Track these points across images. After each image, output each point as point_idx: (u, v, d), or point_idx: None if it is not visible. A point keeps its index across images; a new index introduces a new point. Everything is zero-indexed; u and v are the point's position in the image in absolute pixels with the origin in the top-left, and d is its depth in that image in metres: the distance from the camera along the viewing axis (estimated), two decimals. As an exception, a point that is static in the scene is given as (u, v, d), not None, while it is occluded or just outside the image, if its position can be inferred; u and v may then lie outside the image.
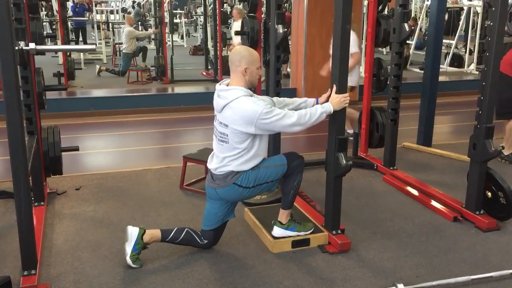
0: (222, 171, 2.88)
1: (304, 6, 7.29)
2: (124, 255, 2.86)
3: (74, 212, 3.64)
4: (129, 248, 2.83)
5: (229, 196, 2.93)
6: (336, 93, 2.96)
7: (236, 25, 8.26)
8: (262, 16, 4.47)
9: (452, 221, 3.50)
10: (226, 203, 2.98)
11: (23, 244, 2.61)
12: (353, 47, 4.60)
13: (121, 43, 12.75)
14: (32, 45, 2.81)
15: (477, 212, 3.47)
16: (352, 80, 4.91)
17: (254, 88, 3.04)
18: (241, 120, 2.73)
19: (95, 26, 15.12)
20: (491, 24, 3.21)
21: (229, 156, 2.84)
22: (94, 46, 3.22)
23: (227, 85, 2.86)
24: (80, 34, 13.54)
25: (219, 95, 2.84)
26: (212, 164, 2.96)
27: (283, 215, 3.07)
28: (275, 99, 3.08)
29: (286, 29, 3.74)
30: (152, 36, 10.85)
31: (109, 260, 2.94)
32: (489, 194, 3.47)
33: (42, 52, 3.22)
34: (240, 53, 2.85)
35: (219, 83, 2.92)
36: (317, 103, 3.06)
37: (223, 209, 2.99)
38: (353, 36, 4.39)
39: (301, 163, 2.98)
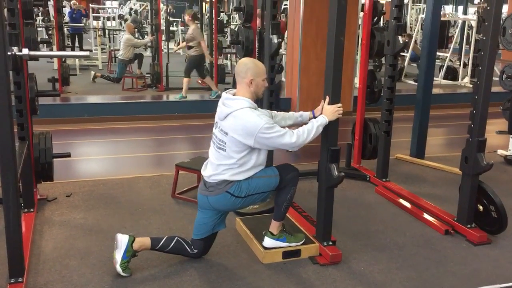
0: (215, 179, 2.87)
1: (300, 17, 7.32)
2: (113, 264, 2.83)
3: (64, 219, 3.61)
4: (119, 256, 2.81)
5: (220, 205, 2.91)
6: (329, 103, 2.97)
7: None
8: (258, 26, 4.48)
9: (444, 234, 3.50)
10: (217, 213, 2.96)
11: (10, 251, 2.57)
12: None
13: (117, 50, 12.78)
14: (25, 51, 2.80)
15: (469, 226, 3.47)
16: None
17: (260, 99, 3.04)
18: (242, 130, 2.74)
19: (92, 32, 15.12)
20: (484, 38, 3.24)
21: (224, 164, 2.83)
22: (88, 53, 3.21)
23: (234, 95, 2.88)
24: (77, 40, 13.53)
25: (224, 103, 2.85)
26: (206, 171, 2.94)
27: (275, 226, 3.06)
28: (273, 113, 3.09)
29: (280, 39, 3.75)
30: (149, 44, 10.88)
31: (97, 268, 2.91)
32: (481, 207, 3.47)
33: (35, 58, 3.20)
34: (246, 64, 2.87)
35: (226, 91, 2.93)
36: (313, 115, 3.07)
37: (214, 219, 2.97)
38: None
39: (296, 175, 2.96)
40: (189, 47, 8.47)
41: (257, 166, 2.89)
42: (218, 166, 2.86)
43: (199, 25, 8.81)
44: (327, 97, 2.98)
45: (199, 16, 11.41)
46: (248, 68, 2.83)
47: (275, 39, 3.74)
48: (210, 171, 2.90)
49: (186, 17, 8.79)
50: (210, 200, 2.89)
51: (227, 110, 2.80)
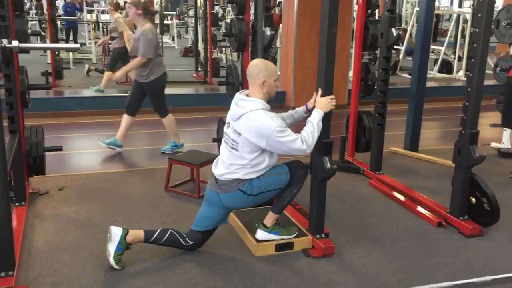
0: (227, 178, 2.88)
1: (294, 10, 7.29)
2: (105, 257, 2.82)
3: (56, 212, 3.59)
4: (112, 248, 2.80)
5: (231, 202, 2.92)
6: (321, 96, 2.96)
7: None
8: (251, 18, 4.46)
9: (436, 227, 3.51)
10: (225, 209, 2.97)
11: (0, 245, 2.56)
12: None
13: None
14: (15, 43, 2.77)
15: (461, 218, 3.48)
16: None
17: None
18: (255, 132, 2.75)
19: (86, 25, 15.03)
20: (477, 30, 3.23)
21: (237, 164, 2.84)
22: (78, 45, 3.19)
23: (246, 95, 2.88)
24: (71, 34, 13.44)
25: (238, 103, 2.86)
26: (218, 169, 2.95)
27: (270, 219, 3.05)
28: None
29: (273, 32, 3.73)
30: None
31: (89, 262, 2.90)
32: (473, 199, 3.48)
33: (25, 50, 3.17)
34: (257, 66, 2.87)
35: (239, 92, 2.94)
36: (306, 108, 3.08)
37: (220, 214, 2.98)
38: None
39: (305, 173, 2.99)
40: (112, 38, 8.15)
41: (270, 166, 2.90)
42: (231, 165, 2.87)
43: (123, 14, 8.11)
44: (320, 89, 2.98)
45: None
46: (259, 70, 2.84)
47: (267, 32, 3.71)
48: (222, 170, 2.91)
49: (109, 7, 8.36)
50: (221, 198, 2.90)
51: (240, 111, 2.81)
